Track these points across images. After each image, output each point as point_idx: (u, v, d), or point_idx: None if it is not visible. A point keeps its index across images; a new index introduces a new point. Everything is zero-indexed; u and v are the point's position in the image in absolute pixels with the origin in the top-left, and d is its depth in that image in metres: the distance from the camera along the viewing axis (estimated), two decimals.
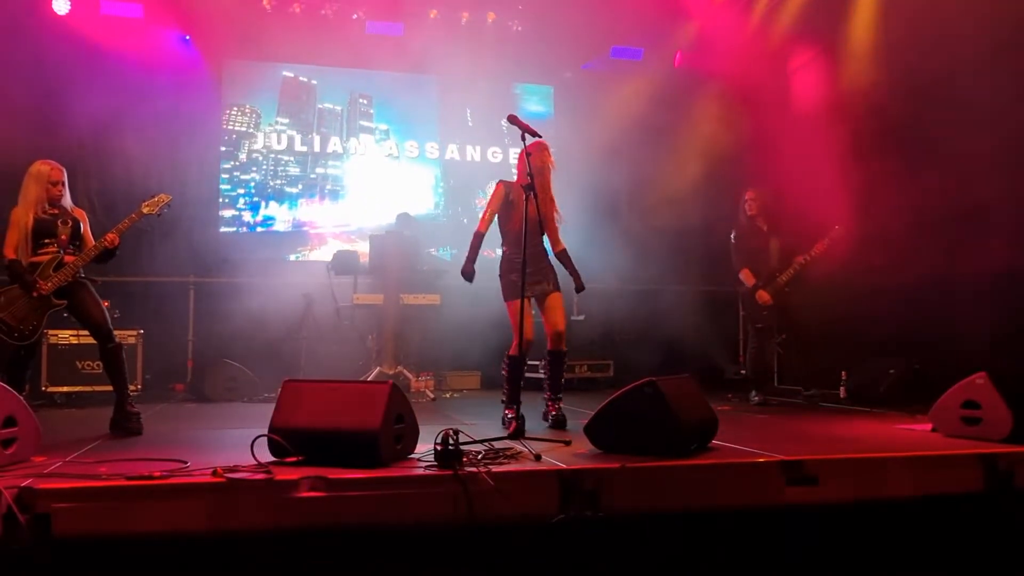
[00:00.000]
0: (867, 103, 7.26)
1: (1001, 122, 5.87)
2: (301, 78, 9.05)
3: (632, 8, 8.48)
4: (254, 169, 8.92)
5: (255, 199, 8.92)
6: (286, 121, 9.03)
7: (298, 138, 9.02)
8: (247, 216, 8.87)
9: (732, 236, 6.90)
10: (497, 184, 5.18)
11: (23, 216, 4.66)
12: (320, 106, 9.11)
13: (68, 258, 4.68)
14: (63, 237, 4.70)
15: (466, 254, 5.03)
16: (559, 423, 4.91)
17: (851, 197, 6.83)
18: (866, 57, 7.38)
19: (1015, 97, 5.81)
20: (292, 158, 9.03)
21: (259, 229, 8.87)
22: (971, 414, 4.22)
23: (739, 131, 8.34)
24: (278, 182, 9.00)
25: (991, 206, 5.96)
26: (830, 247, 6.53)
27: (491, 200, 5.12)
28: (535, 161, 4.84)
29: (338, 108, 9.16)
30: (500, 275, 5.11)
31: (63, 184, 4.77)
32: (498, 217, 5.14)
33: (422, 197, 9.23)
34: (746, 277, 6.74)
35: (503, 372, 5.09)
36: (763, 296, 6.62)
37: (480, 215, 5.23)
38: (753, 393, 6.68)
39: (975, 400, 4.22)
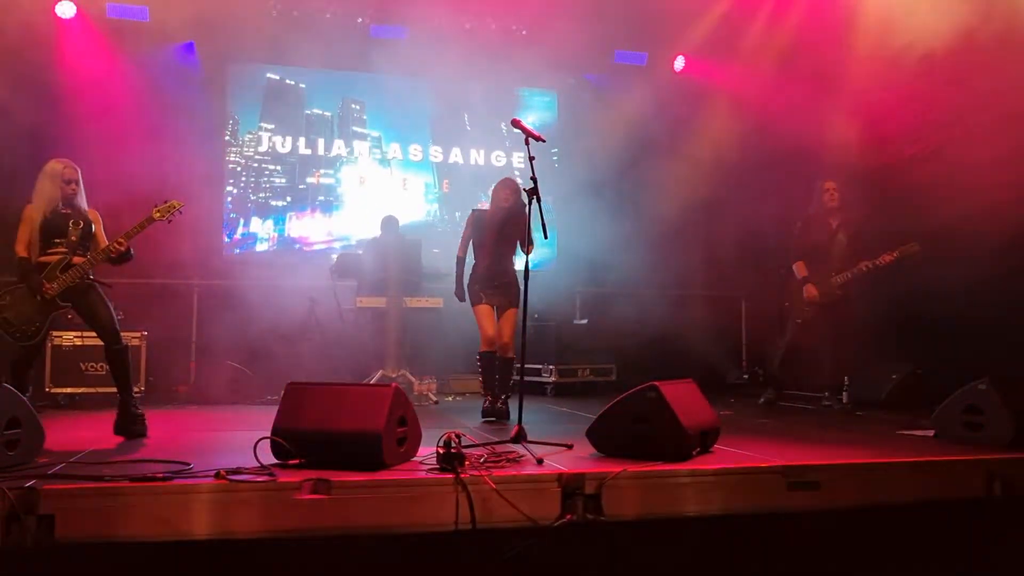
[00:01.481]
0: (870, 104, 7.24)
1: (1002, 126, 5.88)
2: (288, 81, 8.66)
3: (636, 13, 8.49)
4: (231, 181, 8.38)
5: (232, 215, 8.34)
6: (271, 127, 8.57)
7: (284, 144, 8.56)
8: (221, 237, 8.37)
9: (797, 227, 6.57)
10: (471, 213, 5.96)
11: (35, 214, 4.66)
12: (308, 112, 8.75)
13: (76, 259, 4.67)
14: (73, 238, 4.68)
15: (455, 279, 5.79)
16: (500, 415, 5.51)
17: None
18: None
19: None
20: (278, 167, 8.52)
21: (236, 251, 8.31)
22: (973, 420, 4.22)
23: (743, 135, 8.33)
24: (261, 195, 8.46)
25: (993, 210, 5.94)
26: (900, 261, 6.15)
27: (466, 227, 5.89)
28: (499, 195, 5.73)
29: (328, 114, 8.81)
30: (468, 285, 5.80)
31: (77, 183, 4.73)
32: (472, 240, 5.85)
33: (419, 204, 9.09)
34: (799, 269, 6.44)
35: (478, 367, 5.76)
36: (810, 291, 6.34)
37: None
38: (770, 389, 6.61)
39: (977, 406, 4.21)
